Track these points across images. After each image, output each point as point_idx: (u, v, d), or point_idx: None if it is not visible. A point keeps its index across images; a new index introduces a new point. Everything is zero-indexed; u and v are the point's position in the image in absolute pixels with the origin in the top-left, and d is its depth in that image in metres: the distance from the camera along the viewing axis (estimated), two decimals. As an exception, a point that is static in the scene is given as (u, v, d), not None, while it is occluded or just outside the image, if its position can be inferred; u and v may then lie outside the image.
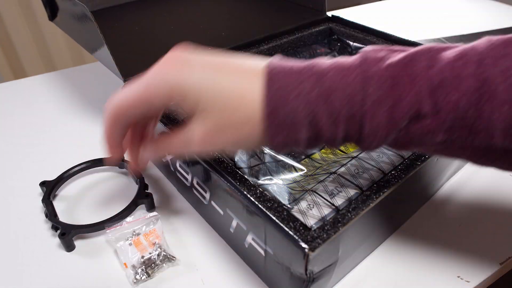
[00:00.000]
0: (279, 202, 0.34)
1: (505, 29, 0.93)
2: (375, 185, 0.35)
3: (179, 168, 0.45)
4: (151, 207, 0.47)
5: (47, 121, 0.63)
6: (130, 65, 0.51)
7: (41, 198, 0.47)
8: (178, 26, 0.65)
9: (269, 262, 0.35)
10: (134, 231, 0.42)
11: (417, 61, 0.28)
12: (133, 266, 0.39)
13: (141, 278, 0.39)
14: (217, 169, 0.37)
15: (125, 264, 0.40)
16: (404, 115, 0.27)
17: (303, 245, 0.29)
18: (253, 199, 0.33)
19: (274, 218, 0.32)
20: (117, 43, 0.59)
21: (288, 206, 0.34)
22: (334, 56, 0.63)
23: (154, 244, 0.41)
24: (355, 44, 0.62)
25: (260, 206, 0.33)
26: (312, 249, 0.29)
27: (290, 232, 0.30)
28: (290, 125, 0.29)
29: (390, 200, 0.36)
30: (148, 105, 0.31)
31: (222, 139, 0.30)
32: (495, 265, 0.40)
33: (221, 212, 0.39)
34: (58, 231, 0.42)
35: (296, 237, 0.30)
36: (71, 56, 1.52)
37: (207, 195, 0.41)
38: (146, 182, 0.48)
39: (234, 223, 0.38)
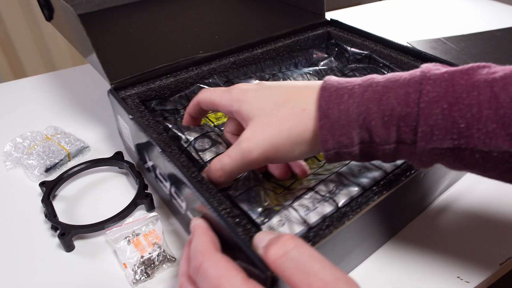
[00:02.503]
0: (248, 218, 0.32)
1: (505, 29, 0.93)
2: (352, 202, 0.33)
3: (159, 176, 0.43)
4: (150, 208, 0.47)
5: (47, 121, 0.63)
6: (119, 68, 0.50)
7: (40, 198, 0.47)
8: (172, 29, 0.65)
9: None
10: (133, 231, 0.42)
11: (476, 69, 0.27)
12: (133, 266, 0.39)
13: (140, 278, 0.38)
14: (190, 180, 0.35)
15: (124, 264, 0.40)
16: (463, 115, 0.26)
17: (265, 269, 0.26)
18: (218, 214, 0.31)
19: (237, 240, 0.29)
20: (107, 46, 0.58)
21: (259, 221, 0.32)
22: (331, 61, 0.62)
23: (153, 244, 0.41)
24: (352, 49, 0.61)
25: (228, 222, 0.30)
26: (274, 277, 0.27)
27: (251, 257, 0.28)
28: (342, 126, 0.29)
29: (371, 215, 0.34)
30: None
31: (269, 131, 0.30)
32: (495, 265, 0.40)
33: None
34: (58, 231, 0.42)
35: (257, 261, 0.27)
36: (71, 56, 1.52)
37: (184, 205, 0.39)
38: (146, 182, 0.48)
39: None
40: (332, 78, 0.31)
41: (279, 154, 0.31)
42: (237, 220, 0.32)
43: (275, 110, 0.31)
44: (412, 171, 0.36)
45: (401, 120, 0.27)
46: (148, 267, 0.39)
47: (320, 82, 0.31)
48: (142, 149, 0.45)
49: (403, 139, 0.28)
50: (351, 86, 0.29)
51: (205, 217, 0.33)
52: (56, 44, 1.48)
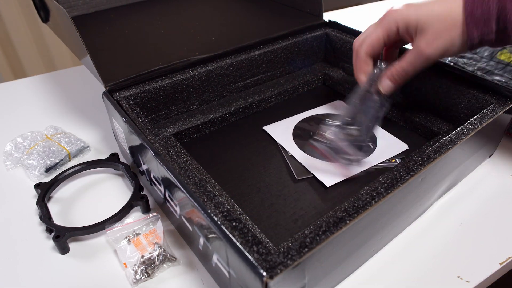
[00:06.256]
0: (245, 222, 0.31)
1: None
2: (350, 206, 0.33)
3: (153, 179, 0.43)
4: (146, 210, 0.46)
5: (47, 121, 0.63)
6: (114, 70, 0.50)
7: (35, 200, 0.47)
8: (168, 30, 0.64)
9: (233, 284, 0.33)
10: (134, 231, 0.42)
11: None
12: (133, 266, 0.39)
13: (140, 278, 0.38)
14: (183, 183, 0.35)
15: (124, 264, 0.40)
16: None
17: (262, 272, 0.28)
18: (216, 219, 0.31)
19: (234, 240, 0.30)
20: (101, 48, 0.58)
21: None
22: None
23: (154, 244, 0.41)
24: None
25: (222, 227, 0.31)
26: (271, 276, 0.27)
27: (250, 257, 0.28)
28: (485, 20, 0.40)
29: (366, 222, 0.34)
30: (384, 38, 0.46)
31: (439, 43, 0.42)
32: (495, 265, 0.40)
33: (190, 228, 0.38)
34: (53, 234, 0.42)
35: (256, 263, 0.28)
36: (71, 56, 1.52)
37: (178, 209, 0.40)
38: (141, 184, 0.48)
39: (201, 241, 0.36)
40: None
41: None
42: (234, 224, 0.32)
43: (437, 25, 0.42)
44: (411, 173, 0.36)
45: None
46: (149, 266, 0.39)
47: None
48: (136, 152, 0.45)
49: None
50: None
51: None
52: (56, 44, 1.48)
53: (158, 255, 0.40)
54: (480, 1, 0.40)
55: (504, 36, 0.41)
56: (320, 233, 0.31)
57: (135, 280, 0.38)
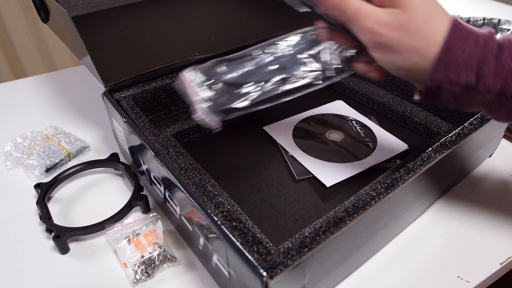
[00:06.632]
0: (245, 222, 0.31)
1: (505, 29, 0.93)
2: (350, 206, 0.33)
3: (153, 179, 0.43)
4: (146, 210, 0.46)
5: (47, 121, 0.63)
6: (114, 70, 0.50)
7: (35, 200, 0.47)
8: (168, 30, 0.64)
9: (233, 284, 0.33)
10: (134, 231, 0.42)
11: None
12: (133, 266, 0.39)
13: (140, 278, 0.38)
14: (183, 183, 0.35)
15: (124, 264, 0.40)
16: None
17: (262, 272, 0.28)
18: (216, 219, 0.31)
19: (234, 240, 0.30)
20: (102, 48, 0.57)
21: None
22: None
23: (154, 244, 0.41)
24: None
25: (222, 227, 0.31)
26: (271, 276, 0.28)
27: (250, 257, 0.29)
28: (458, 64, 0.31)
29: (366, 222, 0.34)
30: None
31: (395, 37, 0.31)
32: (495, 264, 0.40)
33: (190, 228, 0.38)
34: (53, 234, 0.42)
35: (256, 263, 0.28)
36: (71, 56, 1.52)
37: (178, 209, 0.40)
38: (141, 184, 0.48)
39: (201, 241, 0.37)
40: (458, 20, 0.32)
41: (395, 57, 0.32)
42: (234, 224, 0.32)
43: (416, 18, 0.31)
44: (411, 173, 0.36)
45: (508, 75, 0.30)
46: (149, 266, 0.39)
47: (451, 16, 0.32)
48: (136, 152, 0.45)
49: (506, 90, 0.30)
50: (476, 33, 0.31)
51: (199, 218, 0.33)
52: (56, 44, 1.48)
53: (158, 255, 0.40)
54: (465, 38, 0.31)
55: (467, 96, 0.32)
56: (320, 233, 0.31)
57: (135, 280, 0.38)
